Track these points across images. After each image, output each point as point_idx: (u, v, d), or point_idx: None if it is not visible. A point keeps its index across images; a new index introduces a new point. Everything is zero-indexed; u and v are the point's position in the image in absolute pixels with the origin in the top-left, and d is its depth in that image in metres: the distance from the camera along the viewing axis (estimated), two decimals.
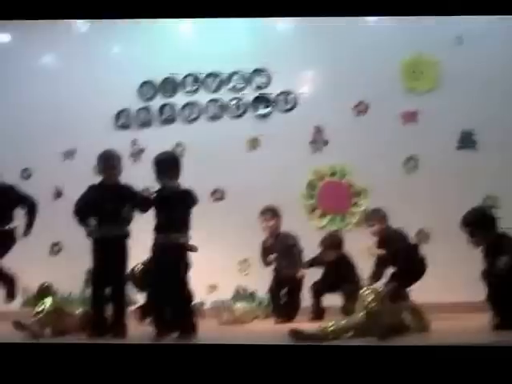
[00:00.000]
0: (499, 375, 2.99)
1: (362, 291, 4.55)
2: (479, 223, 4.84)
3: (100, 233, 5.06)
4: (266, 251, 6.30)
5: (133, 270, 5.66)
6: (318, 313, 6.02)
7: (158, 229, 4.91)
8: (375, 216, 5.99)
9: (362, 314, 4.41)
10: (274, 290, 6.28)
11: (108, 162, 5.17)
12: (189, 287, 4.97)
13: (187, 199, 4.95)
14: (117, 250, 5.06)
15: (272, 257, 6.22)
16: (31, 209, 5.55)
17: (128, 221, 5.13)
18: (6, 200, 5.51)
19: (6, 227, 5.43)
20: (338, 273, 6.07)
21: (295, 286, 6.19)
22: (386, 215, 5.96)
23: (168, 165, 4.99)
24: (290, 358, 3.36)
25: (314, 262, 6.24)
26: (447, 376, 3.06)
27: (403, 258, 5.72)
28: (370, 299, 4.37)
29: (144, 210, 5.07)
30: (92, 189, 5.19)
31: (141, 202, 5.07)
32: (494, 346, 3.80)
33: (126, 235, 5.12)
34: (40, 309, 5.13)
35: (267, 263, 6.28)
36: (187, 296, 4.96)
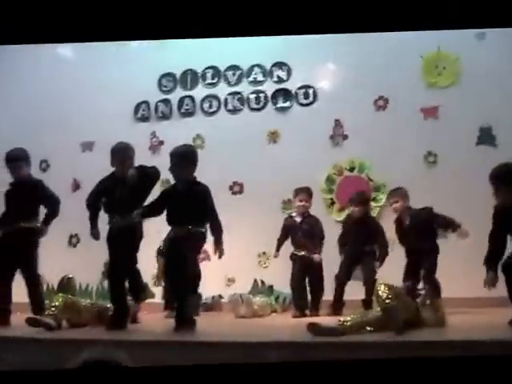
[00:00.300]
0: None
1: (377, 287, 4.53)
2: (505, 178, 4.72)
3: (112, 224, 5.07)
4: (288, 229, 6.30)
5: None
6: (339, 306, 5.98)
7: (171, 221, 4.94)
8: (399, 193, 5.94)
9: (378, 309, 4.41)
10: (296, 277, 6.23)
11: (120, 155, 5.15)
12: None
13: (199, 193, 4.94)
14: (128, 241, 5.04)
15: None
16: (54, 208, 5.56)
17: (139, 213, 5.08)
18: (32, 196, 5.53)
19: (33, 224, 5.42)
20: (365, 232, 6.08)
21: (315, 271, 6.18)
22: (407, 194, 5.92)
23: (180, 158, 4.98)
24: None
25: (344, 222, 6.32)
26: (462, 371, 3.04)
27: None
28: (385, 296, 4.35)
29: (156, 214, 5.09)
30: (104, 181, 5.21)
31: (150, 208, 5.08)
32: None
33: (138, 226, 5.10)
34: (54, 304, 5.13)
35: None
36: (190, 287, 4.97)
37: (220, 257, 4.94)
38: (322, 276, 6.17)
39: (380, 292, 4.37)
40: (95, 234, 5.19)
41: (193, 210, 4.84)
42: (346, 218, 6.41)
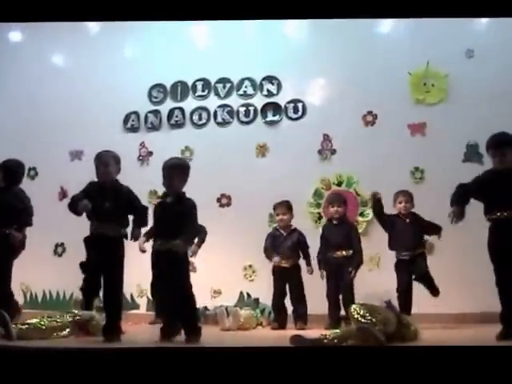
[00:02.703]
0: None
1: (350, 309, 4.53)
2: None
3: (96, 231, 4.93)
4: (273, 242, 6.31)
5: None
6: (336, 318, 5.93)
7: (158, 235, 4.91)
8: (407, 193, 6.02)
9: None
10: (277, 289, 6.26)
11: (100, 161, 5.04)
12: (191, 292, 4.92)
13: (187, 207, 4.90)
14: (112, 251, 4.92)
15: (277, 258, 6.23)
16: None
17: (126, 222, 5.04)
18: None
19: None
20: (342, 233, 6.12)
21: (297, 281, 6.21)
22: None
23: (173, 171, 4.95)
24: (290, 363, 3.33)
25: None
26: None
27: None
28: (357, 316, 4.36)
29: (144, 224, 5.05)
30: (90, 186, 5.08)
31: (141, 213, 5.03)
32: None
33: (123, 236, 5.00)
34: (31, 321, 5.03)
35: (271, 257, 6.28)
36: (190, 300, 4.93)
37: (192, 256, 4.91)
38: (303, 287, 6.20)
39: (352, 312, 4.39)
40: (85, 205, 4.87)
41: (179, 225, 4.81)
42: (323, 229, 6.39)
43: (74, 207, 4.91)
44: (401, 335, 4.46)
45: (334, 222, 6.22)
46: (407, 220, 5.99)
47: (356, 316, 4.32)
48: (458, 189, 4.87)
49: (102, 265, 4.86)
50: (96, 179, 5.06)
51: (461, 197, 4.84)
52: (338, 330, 4.33)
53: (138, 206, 5.06)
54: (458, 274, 6.11)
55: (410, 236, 5.92)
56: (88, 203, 4.82)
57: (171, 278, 4.76)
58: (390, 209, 6.08)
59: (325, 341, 4.18)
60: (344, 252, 6.05)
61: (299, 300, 6.19)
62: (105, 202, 4.92)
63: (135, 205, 5.06)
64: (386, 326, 4.31)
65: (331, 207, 6.22)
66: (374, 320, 4.27)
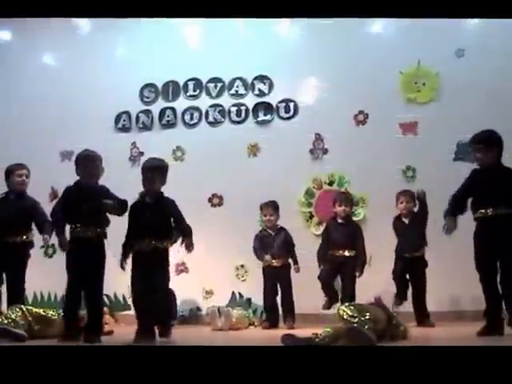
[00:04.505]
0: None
1: (338, 311, 4.54)
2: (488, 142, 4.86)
3: (76, 234, 4.94)
4: (262, 242, 6.33)
5: None
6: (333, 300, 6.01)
7: (137, 235, 4.89)
8: (408, 193, 6.09)
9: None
10: (267, 289, 6.28)
11: (84, 163, 5.06)
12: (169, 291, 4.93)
13: (165, 207, 4.92)
14: (92, 252, 4.93)
15: (268, 257, 6.24)
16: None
17: (105, 222, 5.02)
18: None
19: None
20: (348, 233, 6.13)
21: (287, 280, 6.24)
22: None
23: (153, 172, 4.95)
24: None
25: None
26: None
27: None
28: (345, 317, 4.37)
29: (120, 213, 5.00)
30: (67, 190, 5.09)
31: (118, 204, 4.96)
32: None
33: (102, 236, 5.00)
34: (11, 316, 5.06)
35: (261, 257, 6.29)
36: (168, 299, 4.95)
37: (189, 250, 4.87)
38: (291, 286, 6.22)
39: (341, 314, 4.40)
40: (63, 244, 4.94)
41: (159, 225, 4.86)
42: (327, 222, 6.39)
43: (53, 224, 5.12)
44: (390, 333, 4.48)
45: (340, 221, 6.20)
46: (407, 221, 6.09)
47: (345, 317, 4.33)
48: (450, 201, 4.97)
49: (84, 266, 4.86)
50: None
51: (452, 208, 4.92)
52: (329, 329, 4.32)
53: (116, 199, 5.00)
54: (457, 273, 6.11)
55: (410, 237, 6.00)
56: (66, 245, 4.91)
57: (154, 277, 4.76)
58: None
59: (316, 340, 4.18)
60: (347, 252, 6.05)
61: (289, 299, 6.22)
62: (82, 204, 4.92)
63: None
64: (375, 323, 4.32)
65: (339, 206, 6.17)
66: (363, 319, 4.28)
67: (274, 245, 6.28)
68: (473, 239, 4.82)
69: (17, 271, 5.78)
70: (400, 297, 5.94)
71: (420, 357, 3.12)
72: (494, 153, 4.80)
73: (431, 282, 6.01)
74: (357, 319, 4.28)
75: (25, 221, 5.86)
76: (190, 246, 4.86)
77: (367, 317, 4.32)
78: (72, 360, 3.23)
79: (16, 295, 5.67)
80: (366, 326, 4.19)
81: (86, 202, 4.90)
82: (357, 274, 5.95)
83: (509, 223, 4.66)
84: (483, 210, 4.74)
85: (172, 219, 4.94)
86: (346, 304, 4.62)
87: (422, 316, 5.88)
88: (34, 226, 5.92)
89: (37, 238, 6.02)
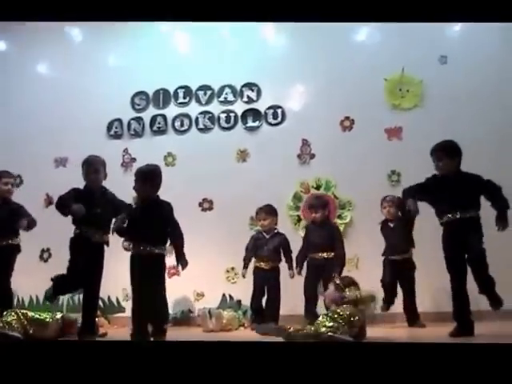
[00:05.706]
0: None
1: (318, 320, 4.62)
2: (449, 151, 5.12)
3: (84, 234, 5.09)
4: (255, 243, 6.42)
5: None
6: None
7: (136, 239, 4.99)
8: (391, 199, 6.21)
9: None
10: (257, 289, 6.36)
11: (91, 167, 5.22)
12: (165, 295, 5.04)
13: (162, 212, 5.03)
14: (96, 255, 5.10)
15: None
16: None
17: (109, 227, 5.16)
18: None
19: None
20: (325, 234, 6.19)
21: (275, 283, 6.30)
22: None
23: (146, 177, 5.05)
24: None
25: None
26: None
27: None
28: (322, 324, 4.48)
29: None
30: (75, 191, 5.18)
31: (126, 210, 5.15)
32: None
33: (105, 242, 5.18)
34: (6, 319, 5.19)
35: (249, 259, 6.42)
36: (165, 303, 5.06)
37: (183, 268, 5.03)
38: (279, 289, 6.28)
39: (319, 326, 4.47)
40: (79, 207, 4.97)
41: (155, 229, 4.94)
42: (307, 225, 6.53)
43: (64, 208, 5.02)
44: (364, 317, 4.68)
45: (317, 224, 6.28)
46: (392, 225, 6.19)
47: (323, 330, 4.40)
48: (405, 191, 5.30)
49: (85, 268, 5.01)
50: (82, 183, 5.21)
51: (411, 193, 5.22)
52: (310, 329, 4.48)
53: (124, 206, 5.21)
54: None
55: (396, 240, 6.12)
56: (82, 208, 4.93)
57: (151, 282, 4.86)
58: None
59: (290, 330, 4.36)
60: (325, 254, 6.09)
61: (274, 303, 6.24)
62: (94, 208, 5.05)
63: (121, 208, 5.20)
64: (350, 323, 4.48)
65: (315, 213, 6.26)
66: (337, 325, 4.41)
67: (265, 247, 6.34)
68: (441, 243, 5.03)
69: (2, 274, 5.81)
70: (387, 302, 6.08)
71: (415, 355, 3.20)
72: (455, 161, 5.08)
73: (420, 283, 6.14)
74: (334, 327, 4.40)
75: (9, 224, 5.84)
76: (184, 266, 5.01)
77: (343, 321, 4.46)
78: (68, 357, 3.31)
79: (4, 298, 5.76)
80: (340, 331, 4.35)
81: (98, 207, 5.06)
82: (335, 275, 5.90)
83: (474, 225, 4.93)
84: (450, 215, 4.98)
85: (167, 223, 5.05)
86: (323, 314, 4.69)
87: (413, 317, 5.98)
88: (21, 231, 5.92)
89: (30, 243, 6.14)
